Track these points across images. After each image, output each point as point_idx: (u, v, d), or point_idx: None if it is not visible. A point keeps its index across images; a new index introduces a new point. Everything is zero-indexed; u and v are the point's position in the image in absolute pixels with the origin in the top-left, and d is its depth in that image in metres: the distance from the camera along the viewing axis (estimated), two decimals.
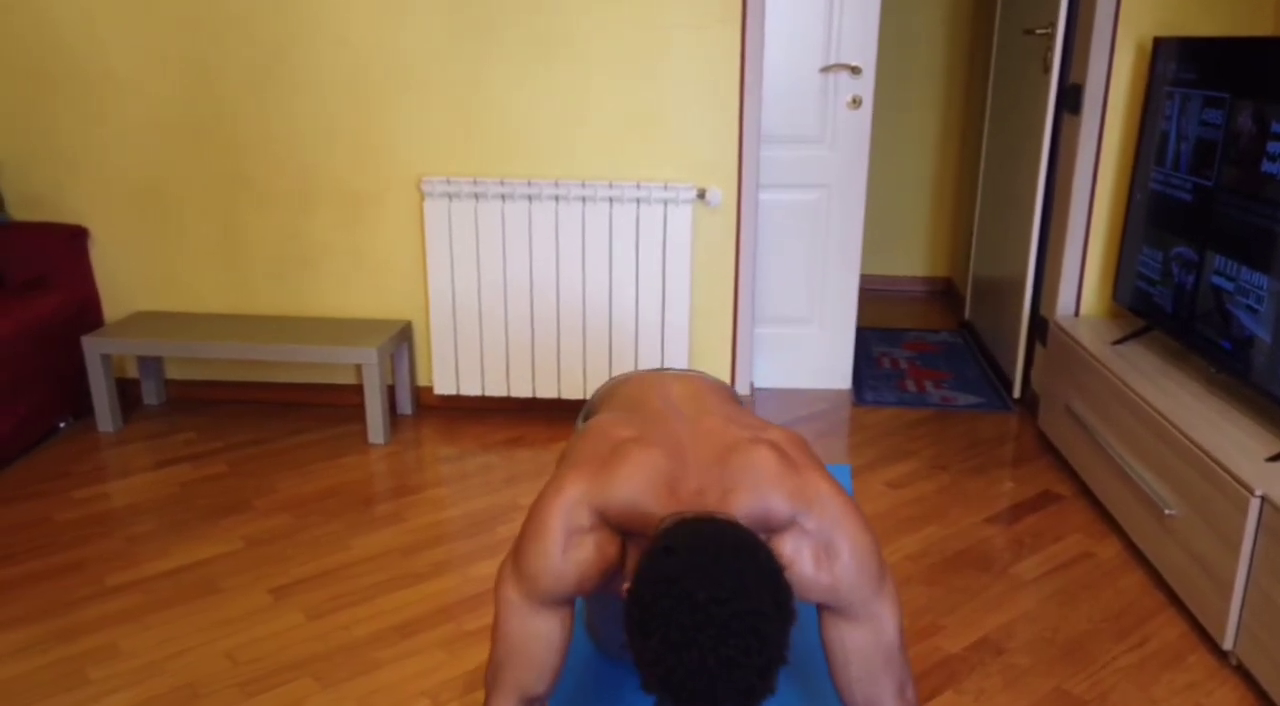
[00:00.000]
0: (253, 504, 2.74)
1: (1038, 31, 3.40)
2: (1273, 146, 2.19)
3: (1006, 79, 3.85)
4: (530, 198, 3.10)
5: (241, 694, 1.96)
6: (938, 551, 2.52)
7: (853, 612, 1.45)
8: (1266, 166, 2.21)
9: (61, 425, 3.21)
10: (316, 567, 2.42)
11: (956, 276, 4.84)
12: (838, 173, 3.43)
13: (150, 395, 3.40)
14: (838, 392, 3.61)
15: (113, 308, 3.38)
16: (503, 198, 3.11)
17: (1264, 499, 1.94)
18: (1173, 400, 2.41)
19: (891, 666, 1.49)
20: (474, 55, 3.08)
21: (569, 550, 1.40)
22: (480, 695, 1.94)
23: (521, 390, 3.25)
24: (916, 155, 4.86)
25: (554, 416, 3.36)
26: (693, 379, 1.73)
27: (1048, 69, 3.23)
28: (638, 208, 3.08)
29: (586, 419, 1.75)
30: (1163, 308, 2.67)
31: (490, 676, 1.51)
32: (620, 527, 1.42)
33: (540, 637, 1.46)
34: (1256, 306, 2.23)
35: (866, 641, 1.47)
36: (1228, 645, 2.05)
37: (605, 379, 3.22)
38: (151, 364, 3.37)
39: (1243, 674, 2.05)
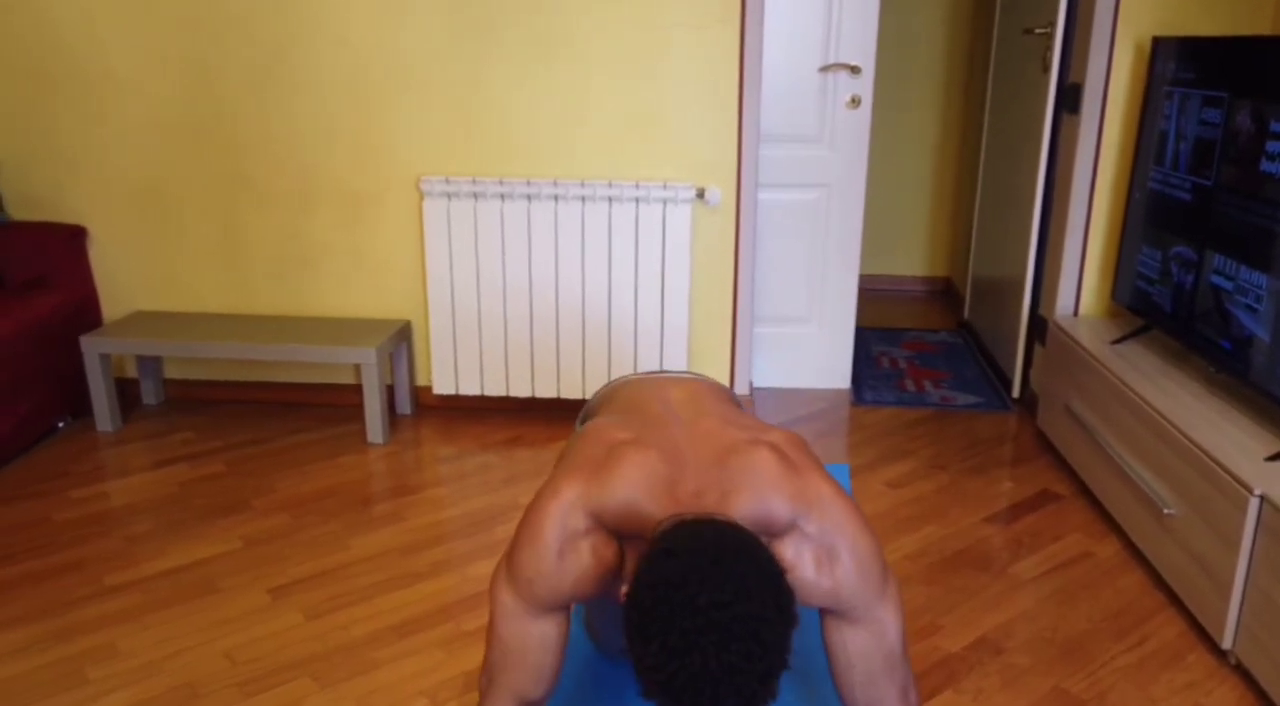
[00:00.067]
0: (251, 504, 2.74)
1: (1037, 31, 3.40)
2: (1271, 145, 2.19)
3: (1006, 78, 3.85)
4: (529, 197, 3.10)
5: (240, 693, 1.96)
6: (936, 551, 2.52)
7: (855, 616, 1.44)
8: (1265, 165, 2.21)
9: (60, 425, 3.21)
10: (315, 567, 2.42)
11: (956, 276, 4.84)
12: (837, 172, 3.43)
13: (149, 395, 3.40)
14: (837, 392, 3.61)
15: (112, 307, 3.38)
16: (502, 197, 3.11)
17: (1263, 498, 1.94)
18: (1172, 399, 2.41)
19: (894, 669, 1.48)
20: (474, 55, 3.08)
21: (564, 554, 1.38)
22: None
23: (520, 390, 3.25)
24: (916, 155, 4.85)
25: (553, 416, 3.36)
26: (691, 382, 1.72)
27: (1047, 68, 3.23)
28: (637, 207, 3.08)
29: (584, 422, 1.74)
30: (1162, 307, 2.67)
31: (485, 680, 1.49)
32: (617, 530, 1.40)
33: (536, 642, 1.44)
34: (1256, 306, 2.23)
35: (869, 645, 1.45)
36: (1227, 644, 2.05)
37: (604, 378, 3.23)
38: (150, 364, 3.37)
39: (1242, 673, 2.05)
